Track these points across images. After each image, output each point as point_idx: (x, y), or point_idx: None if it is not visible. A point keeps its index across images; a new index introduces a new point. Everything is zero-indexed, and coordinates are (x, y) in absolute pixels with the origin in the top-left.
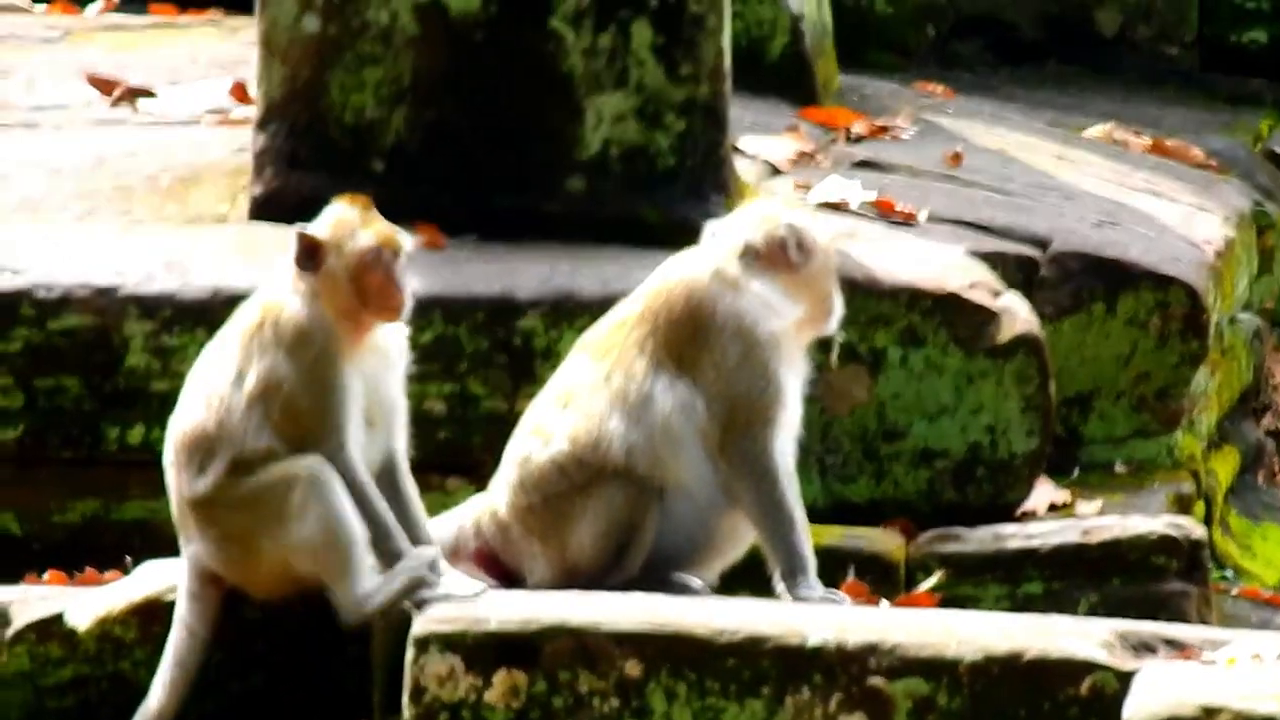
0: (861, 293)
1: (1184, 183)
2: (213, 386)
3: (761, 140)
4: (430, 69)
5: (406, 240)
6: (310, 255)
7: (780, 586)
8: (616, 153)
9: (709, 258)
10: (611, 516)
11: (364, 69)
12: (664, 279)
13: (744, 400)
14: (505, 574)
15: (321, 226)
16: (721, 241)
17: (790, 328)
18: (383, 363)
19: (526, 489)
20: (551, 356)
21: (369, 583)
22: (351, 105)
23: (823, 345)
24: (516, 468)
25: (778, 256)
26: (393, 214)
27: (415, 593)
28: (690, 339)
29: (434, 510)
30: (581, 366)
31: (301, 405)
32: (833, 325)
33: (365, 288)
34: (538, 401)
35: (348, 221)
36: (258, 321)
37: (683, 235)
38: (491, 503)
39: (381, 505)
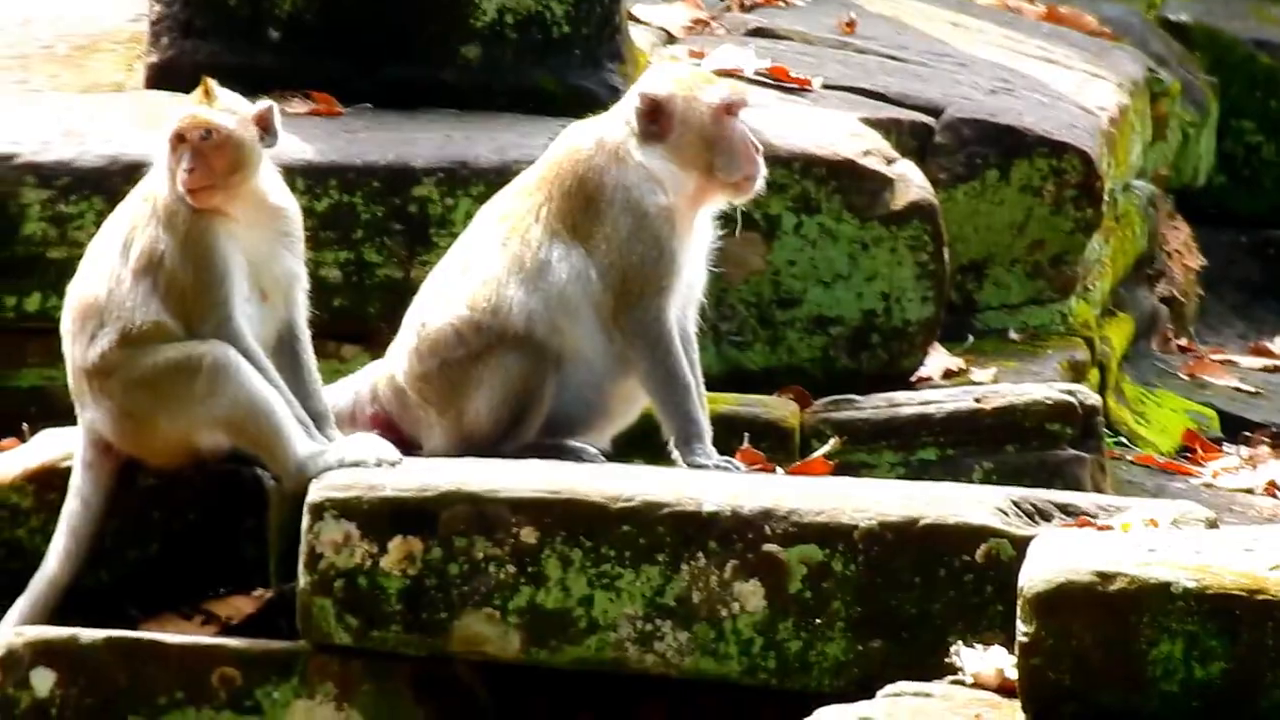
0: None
1: (1078, 50)
2: (105, 257)
3: (657, 8)
4: None
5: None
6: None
7: (675, 454)
8: (512, 20)
9: (599, 128)
10: (508, 383)
11: None
12: (559, 148)
13: (635, 270)
14: (401, 440)
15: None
16: (613, 111)
17: (681, 199)
18: (273, 234)
19: (423, 355)
20: (447, 224)
21: (305, 446)
22: None
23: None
24: (414, 333)
25: (646, 127)
26: (288, 82)
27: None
28: (582, 210)
29: (330, 378)
30: (482, 234)
31: (183, 280)
32: (748, 190)
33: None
34: (438, 268)
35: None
36: (143, 194)
37: (578, 103)
38: (389, 368)
39: (275, 375)
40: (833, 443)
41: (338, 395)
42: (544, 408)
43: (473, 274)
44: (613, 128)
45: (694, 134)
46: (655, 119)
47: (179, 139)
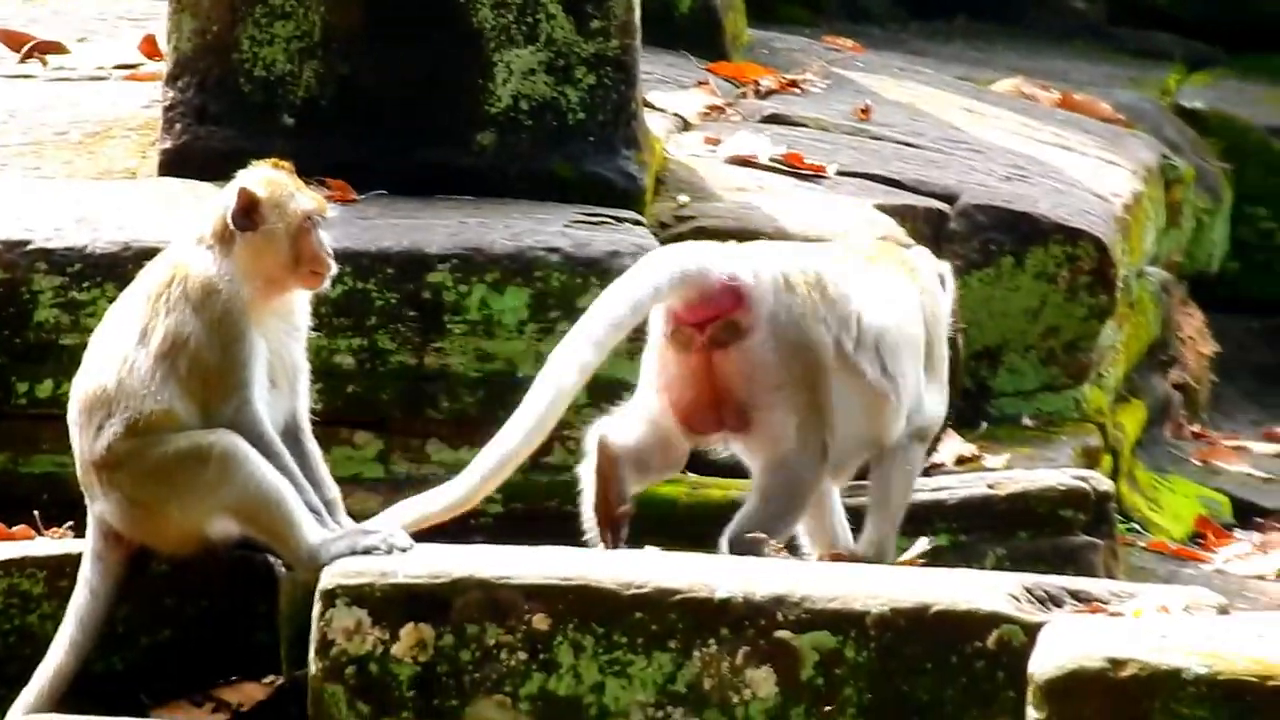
0: None
1: (1092, 136)
2: (116, 344)
3: (672, 95)
4: (341, 23)
5: (330, 206)
6: (248, 213)
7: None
8: (527, 107)
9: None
10: None
11: (275, 23)
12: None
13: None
14: None
15: (257, 185)
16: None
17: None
18: (286, 325)
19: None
20: (461, 311)
21: (317, 534)
22: (262, 59)
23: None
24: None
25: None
26: (303, 169)
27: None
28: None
29: (343, 465)
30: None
31: (209, 362)
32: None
33: (300, 251)
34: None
35: (283, 182)
36: (166, 279)
37: (594, 189)
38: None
39: (290, 460)
40: (923, 544)
41: None
42: None
43: None
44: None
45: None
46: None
47: (310, 219)
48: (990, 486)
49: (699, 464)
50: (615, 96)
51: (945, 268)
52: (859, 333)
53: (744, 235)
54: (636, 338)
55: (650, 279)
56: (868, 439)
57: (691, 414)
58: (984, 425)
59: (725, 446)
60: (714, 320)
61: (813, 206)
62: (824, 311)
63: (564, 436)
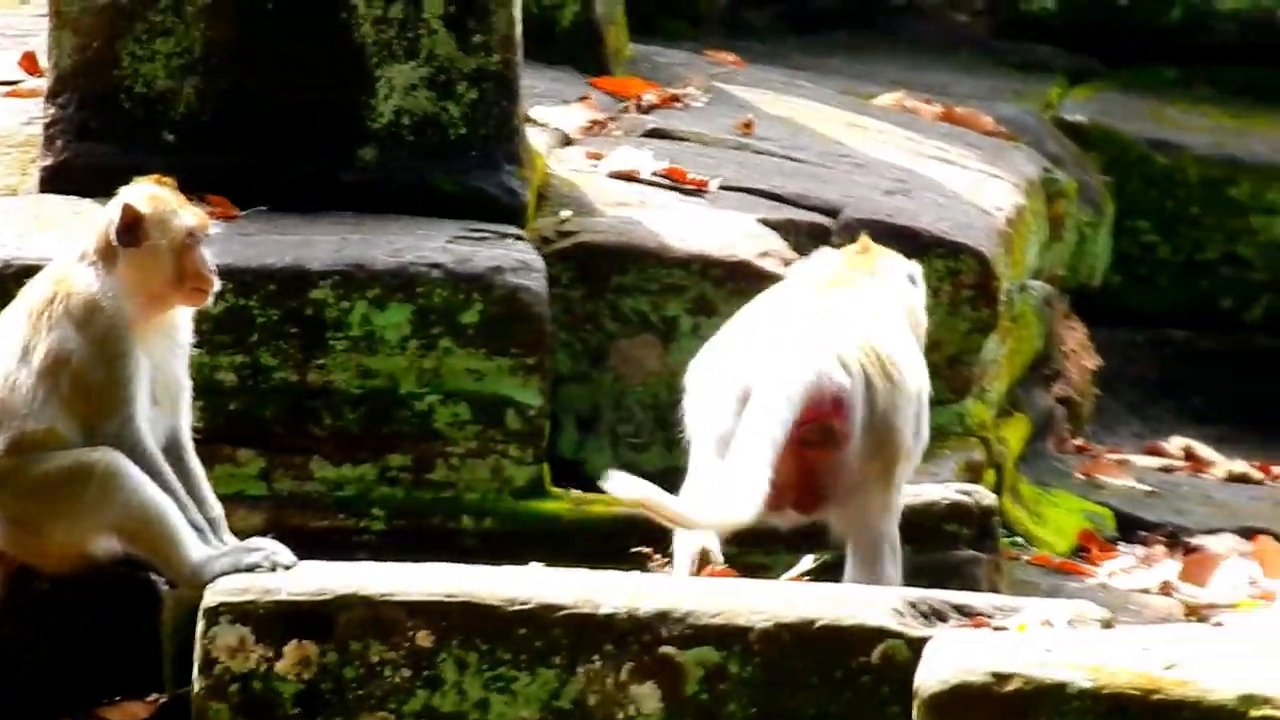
0: (653, 262)
1: (975, 150)
2: None
3: (554, 109)
4: (222, 39)
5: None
6: (131, 229)
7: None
8: (409, 122)
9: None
10: None
11: (156, 39)
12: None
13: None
14: None
15: (140, 201)
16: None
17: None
18: (169, 342)
19: None
20: (343, 327)
21: (200, 551)
22: (143, 76)
23: (616, 317)
24: None
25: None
26: (185, 185)
27: (254, 564)
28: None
29: (226, 483)
30: None
31: (92, 379)
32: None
33: (183, 268)
34: None
35: (166, 199)
36: (48, 296)
37: (476, 204)
38: None
39: (173, 477)
40: (808, 560)
41: None
42: None
43: None
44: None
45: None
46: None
47: (194, 236)
48: None
49: (582, 481)
50: (497, 111)
51: (916, 269)
52: (918, 405)
53: (627, 250)
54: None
55: (787, 400)
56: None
57: (779, 499)
58: None
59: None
60: (810, 423)
61: (695, 221)
62: (898, 400)
63: (446, 454)
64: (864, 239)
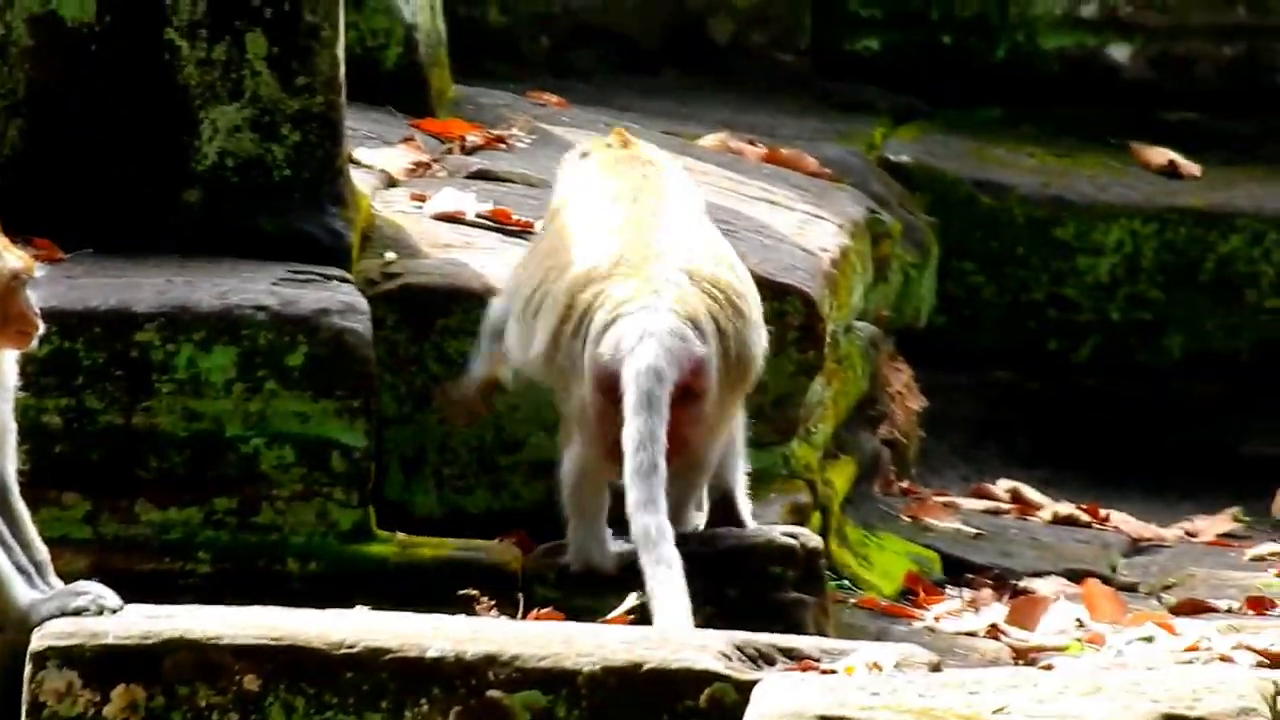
0: (478, 303)
1: (799, 191)
2: None
3: (378, 151)
4: (45, 81)
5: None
6: None
7: None
8: (233, 164)
9: None
10: None
11: None
12: None
13: None
14: None
15: None
16: None
17: None
18: None
19: None
20: (169, 370)
21: (26, 595)
22: None
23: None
24: None
25: None
26: (10, 228)
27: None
28: None
29: (51, 526)
30: None
31: None
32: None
33: (7, 311)
34: None
35: None
36: None
37: (300, 246)
38: None
39: None
40: (632, 599)
41: None
42: None
43: None
44: None
45: None
46: None
47: (18, 278)
48: (700, 543)
49: (408, 523)
50: (321, 153)
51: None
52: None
53: (451, 292)
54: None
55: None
56: None
57: None
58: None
59: None
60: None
61: None
62: (749, 334)
63: (272, 497)
64: (622, 133)
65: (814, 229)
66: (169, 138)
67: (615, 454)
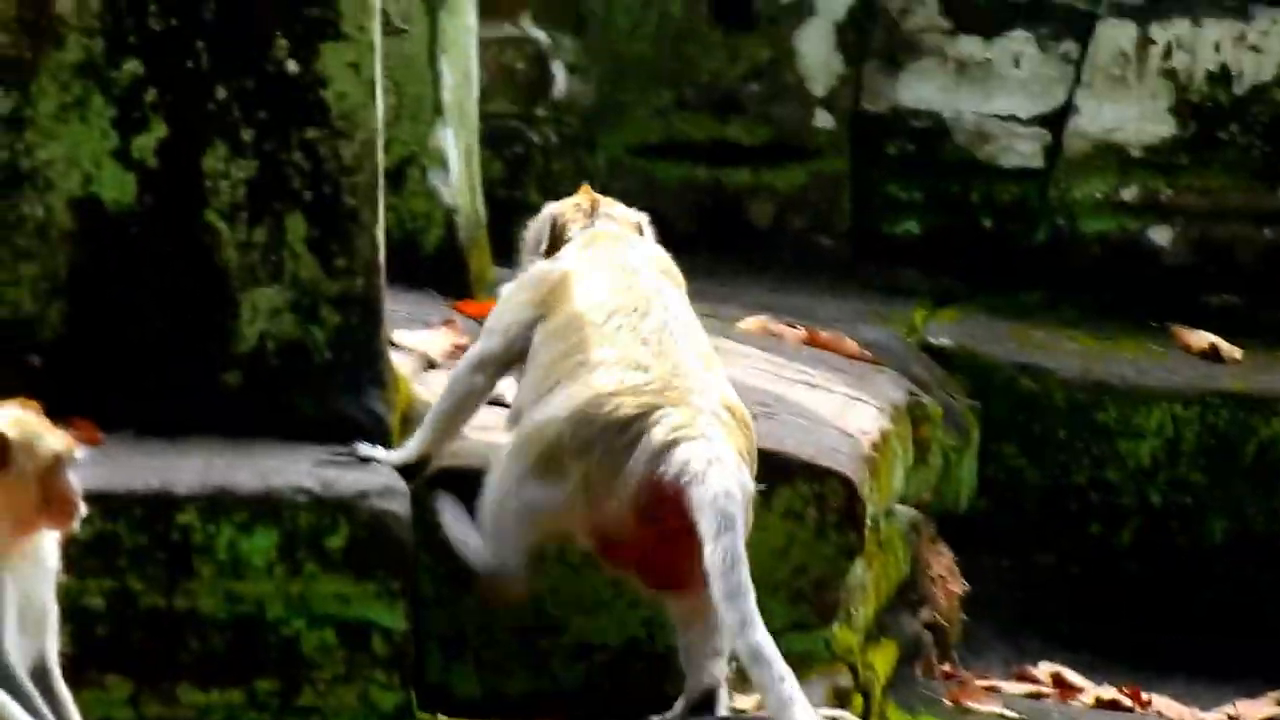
0: None
1: (839, 373)
2: None
3: (418, 333)
4: (87, 263)
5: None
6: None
7: None
8: (273, 346)
9: None
10: None
11: (20, 264)
12: None
13: None
14: None
15: (6, 426)
16: None
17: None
18: (35, 566)
19: None
20: (210, 551)
21: None
22: (8, 300)
23: None
24: None
25: None
26: (52, 410)
27: None
28: None
29: (94, 708)
30: None
31: None
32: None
33: (49, 492)
34: None
35: (31, 423)
36: None
37: (340, 428)
38: None
39: (41, 704)
40: None
41: None
42: None
43: None
44: None
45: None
46: None
47: (60, 460)
48: None
49: (449, 705)
50: (361, 336)
51: (643, 217)
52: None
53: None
54: None
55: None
56: None
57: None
58: (734, 664)
59: None
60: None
61: None
62: (753, 455)
63: (314, 679)
64: (589, 193)
65: (854, 412)
66: (209, 320)
67: (602, 545)
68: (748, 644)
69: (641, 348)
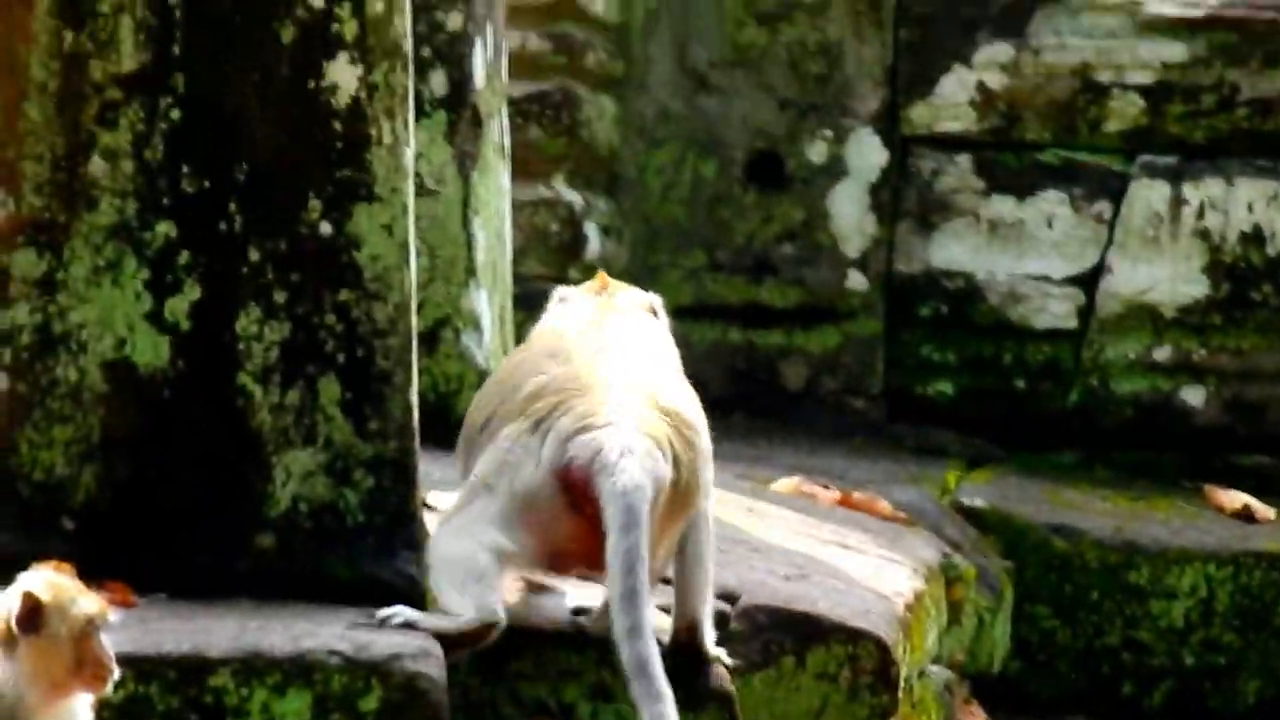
0: (552, 644)
1: (872, 535)
2: None
3: (451, 496)
4: (120, 426)
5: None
6: (31, 617)
7: None
8: (306, 509)
9: None
10: None
11: (53, 427)
12: None
13: None
14: None
15: (40, 589)
16: None
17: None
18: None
19: None
20: (244, 715)
21: None
22: (41, 463)
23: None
24: None
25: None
26: (84, 572)
27: None
28: None
29: None
30: None
31: None
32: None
33: (83, 655)
34: None
35: (65, 586)
36: None
37: (373, 591)
38: None
39: None
40: None
41: None
42: None
43: None
44: None
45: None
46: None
47: (93, 623)
48: None
49: None
50: (394, 499)
51: (656, 299)
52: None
53: (525, 634)
54: None
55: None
56: None
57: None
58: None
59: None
60: None
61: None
62: (698, 464)
63: None
64: (603, 277)
65: (887, 573)
66: (242, 482)
67: (554, 554)
68: (634, 653)
69: (564, 366)
